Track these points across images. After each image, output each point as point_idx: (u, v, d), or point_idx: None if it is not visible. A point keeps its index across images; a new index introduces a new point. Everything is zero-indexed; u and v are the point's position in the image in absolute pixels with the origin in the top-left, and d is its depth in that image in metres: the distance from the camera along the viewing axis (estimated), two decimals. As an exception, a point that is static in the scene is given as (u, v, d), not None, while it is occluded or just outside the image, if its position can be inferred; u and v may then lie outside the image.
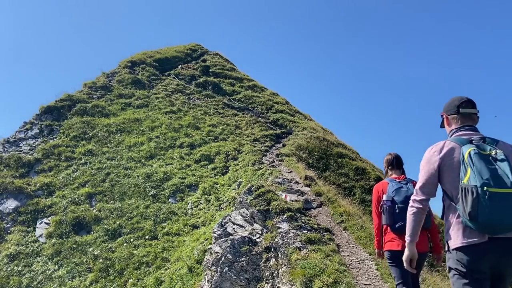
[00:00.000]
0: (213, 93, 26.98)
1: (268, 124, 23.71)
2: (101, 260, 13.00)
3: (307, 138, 20.98)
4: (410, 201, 2.92)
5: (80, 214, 14.89)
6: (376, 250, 4.76)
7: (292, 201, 10.99)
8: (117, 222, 14.67)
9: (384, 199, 4.36)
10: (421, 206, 2.85)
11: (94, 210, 15.24)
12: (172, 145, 20.10)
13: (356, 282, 7.07)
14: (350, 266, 7.84)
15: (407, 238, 2.94)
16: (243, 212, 10.58)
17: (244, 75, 31.55)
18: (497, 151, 2.57)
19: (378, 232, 4.68)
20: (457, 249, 2.64)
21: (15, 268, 13.13)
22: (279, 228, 9.29)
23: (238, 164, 17.94)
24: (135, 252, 13.29)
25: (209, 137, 21.07)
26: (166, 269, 12.29)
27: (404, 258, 3.01)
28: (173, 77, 28.40)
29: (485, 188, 2.40)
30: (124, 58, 29.55)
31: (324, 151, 19.53)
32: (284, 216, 9.65)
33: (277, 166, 16.51)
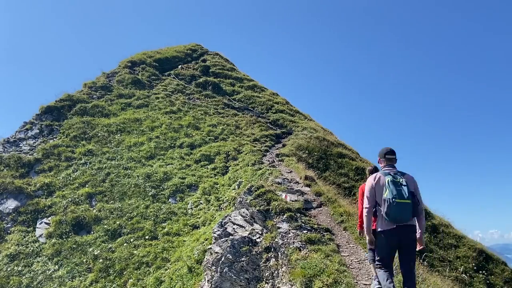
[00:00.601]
0: (213, 93, 26.98)
1: (268, 124, 23.70)
2: (101, 260, 13.00)
3: (307, 138, 20.97)
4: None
5: (80, 214, 14.89)
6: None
7: (292, 201, 10.99)
8: (117, 222, 14.67)
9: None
10: (368, 209, 5.16)
11: (94, 210, 15.24)
12: (172, 145, 20.10)
13: (356, 282, 7.06)
14: (350, 266, 7.83)
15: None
16: (243, 212, 10.57)
17: (244, 75, 31.55)
18: (403, 179, 4.87)
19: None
20: (381, 231, 4.99)
21: (15, 268, 13.13)
22: (279, 228, 9.29)
23: (238, 164, 17.93)
24: (135, 252, 13.29)
25: (209, 137, 21.06)
26: (166, 269, 12.29)
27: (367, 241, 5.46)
28: (173, 77, 28.40)
29: (393, 200, 4.71)
30: (124, 58, 29.60)
31: (324, 151, 19.53)
32: (284, 216, 9.64)
33: (277, 166, 16.51)
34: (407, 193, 4.76)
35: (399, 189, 4.78)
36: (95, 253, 13.30)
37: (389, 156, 5.22)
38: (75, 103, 22.19)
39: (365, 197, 5.18)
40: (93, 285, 12.29)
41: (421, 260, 10.65)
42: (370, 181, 5.16)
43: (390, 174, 4.98)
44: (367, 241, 5.42)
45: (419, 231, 5.03)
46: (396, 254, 5.21)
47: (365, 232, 5.32)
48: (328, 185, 15.20)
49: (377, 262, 5.27)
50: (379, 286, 5.12)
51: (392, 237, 4.89)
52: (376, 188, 5.04)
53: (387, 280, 4.96)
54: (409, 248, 4.96)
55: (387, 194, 4.80)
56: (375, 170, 6.45)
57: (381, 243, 5.07)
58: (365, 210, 5.16)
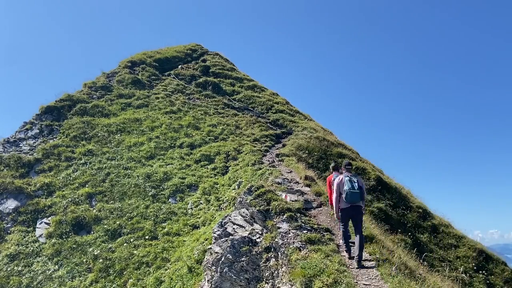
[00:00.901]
0: (213, 93, 26.97)
1: (268, 124, 23.70)
2: (101, 260, 13.00)
3: (307, 138, 20.97)
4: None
5: (80, 214, 14.89)
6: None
7: (292, 201, 10.98)
8: (117, 222, 14.67)
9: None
10: (336, 197, 8.32)
11: (94, 210, 15.24)
12: (172, 145, 20.10)
13: (356, 282, 7.06)
14: (350, 266, 7.83)
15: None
16: (243, 212, 10.57)
17: (244, 75, 31.54)
18: (355, 179, 8.15)
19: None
20: (342, 209, 8.19)
21: (15, 268, 13.13)
22: (279, 228, 9.29)
23: (238, 164, 17.93)
24: (135, 252, 13.29)
25: (209, 137, 21.07)
26: (166, 269, 12.29)
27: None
28: (173, 77, 28.40)
29: (349, 190, 7.97)
30: (124, 58, 29.60)
31: (324, 151, 19.53)
32: (284, 216, 9.64)
33: (277, 166, 16.51)
34: (357, 187, 8.11)
35: (352, 184, 8.10)
36: (95, 253, 13.30)
37: (348, 167, 8.63)
38: (75, 103, 22.19)
39: (334, 189, 8.48)
40: (93, 285, 12.29)
41: (421, 260, 10.66)
42: (337, 180, 8.43)
43: (348, 176, 8.32)
44: (335, 214, 8.78)
45: (363, 207, 8.35)
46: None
47: (334, 210, 8.73)
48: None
49: (340, 225, 8.54)
50: (344, 230, 8.33)
51: (348, 211, 8.21)
52: (340, 184, 8.29)
53: (346, 231, 8.36)
54: (358, 217, 8.20)
55: (346, 187, 8.11)
56: (336, 166, 10.25)
57: (343, 215, 8.32)
58: (335, 198, 8.45)
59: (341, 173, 8.81)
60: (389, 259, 8.19)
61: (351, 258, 7.97)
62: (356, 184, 8.07)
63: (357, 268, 7.61)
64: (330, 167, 10.34)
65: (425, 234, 17.51)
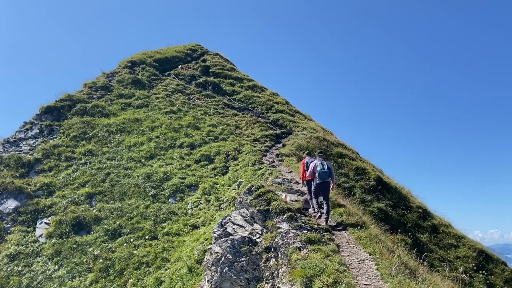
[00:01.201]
0: (213, 93, 26.97)
1: (268, 124, 23.71)
2: (101, 260, 13.00)
3: (307, 138, 20.98)
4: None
5: (80, 214, 14.89)
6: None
7: (292, 201, 10.99)
8: (117, 222, 14.67)
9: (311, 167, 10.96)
10: (311, 177, 10.84)
11: (94, 210, 15.24)
12: (172, 145, 20.10)
13: (356, 282, 7.06)
14: (350, 266, 7.83)
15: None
16: (243, 212, 10.57)
17: (244, 75, 31.54)
18: (325, 162, 10.60)
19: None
20: (316, 184, 10.53)
21: (15, 268, 13.13)
22: (279, 228, 9.29)
23: (238, 164, 17.94)
24: (135, 252, 13.29)
25: (209, 137, 21.07)
26: (166, 269, 12.29)
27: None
28: (173, 77, 28.40)
29: (321, 170, 10.37)
30: (124, 58, 29.58)
31: (324, 151, 19.54)
32: (284, 216, 9.64)
33: (277, 166, 16.51)
34: (326, 168, 10.43)
35: (323, 166, 10.44)
36: (95, 253, 13.30)
37: (320, 154, 11.05)
38: (75, 103, 22.18)
39: (309, 171, 10.84)
40: (93, 285, 12.30)
41: (421, 260, 10.67)
42: (312, 164, 10.79)
43: (320, 161, 10.61)
44: (308, 192, 11.18)
45: (332, 184, 10.55)
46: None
47: (311, 188, 10.97)
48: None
49: (313, 196, 10.82)
50: (316, 199, 10.72)
51: (319, 186, 10.46)
52: (314, 167, 10.62)
53: (317, 202, 10.73)
54: (326, 189, 10.40)
55: (318, 168, 10.43)
56: (309, 153, 12.74)
57: (316, 188, 10.55)
58: (309, 178, 10.91)
59: (315, 158, 11.27)
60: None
61: (319, 217, 10.37)
62: (326, 166, 10.54)
63: (324, 224, 9.94)
64: (305, 154, 13.00)
65: (425, 234, 17.51)
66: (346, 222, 10.55)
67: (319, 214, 10.44)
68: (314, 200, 10.77)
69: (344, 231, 9.83)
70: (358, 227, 10.12)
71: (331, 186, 10.54)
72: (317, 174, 10.35)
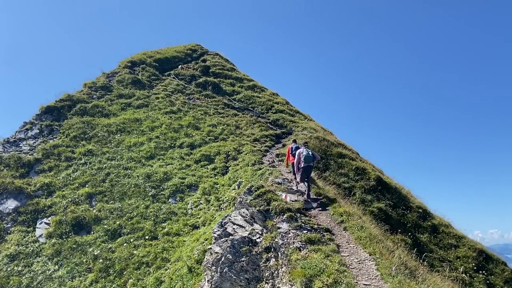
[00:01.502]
0: (213, 93, 26.97)
1: (268, 124, 23.71)
2: (101, 260, 13.00)
3: (307, 138, 20.96)
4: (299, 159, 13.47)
5: (80, 214, 14.89)
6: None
7: (292, 201, 10.99)
8: (117, 222, 14.67)
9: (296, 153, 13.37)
10: (297, 162, 13.11)
11: (94, 210, 15.24)
12: (172, 145, 20.10)
13: (356, 282, 7.06)
14: (350, 266, 7.83)
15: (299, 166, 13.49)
16: (243, 212, 10.57)
17: (244, 75, 31.54)
18: (309, 150, 13.18)
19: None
20: (302, 167, 12.82)
21: (15, 268, 13.13)
22: (279, 228, 9.29)
23: (238, 164, 17.94)
24: (135, 252, 13.29)
25: (209, 137, 21.07)
26: (166, 269, 12.29)
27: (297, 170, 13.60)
28: (173, 77, 28.40)
29: (306, 156, 12.82)
30: (124, 58, 29.59)
31: (324, 151, 19.52)
32: (284, 216, 9.64)
33: (277, 166, 16.51)
34: (310, 154, 12.66)
35: (308, 153, 12.62)
36: (95, 253, 13.30)
37: (305, 144, 13.62)
38: (75, 103, 22.18)
39: (296, 157, 12.95)
40: (93, 285, 12.30)
41: (421, 260, 10.67)
42: (298, 151, 12.94)
43: (305, 148, 12.96)
44: (293, 172, 13.52)
45: (314, 167, 13.47)
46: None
47: (294, 169, 13.19)
48: (328, 185, 15.21)
49: (298, 178, 12.84)
50: (301, 178, 12.74)
51: (304, 169, 12.51)
52: (300, 154, 12.71)
53: (303, 179, 12.68)
54: (309, 171, 12.69)
55: (304, 154, 12.58)
56: (295, 140, 15.04)
57: (302, 171, 12.54)
58: (296, 162, 12.93)
59: (300, 146, 13.66)
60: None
61: (302, 194, 12.37)
62: (310, 152, 12.82)
63: (306, 199, 11.99)
64: (291, 140, 15.50)
65: (425, 234, 17.50)
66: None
67: (304, 189, 12.85)
68: (298, 176, 13.07)
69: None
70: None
71: (313, 168, 13.43)
72: (302, 159, 12.65)
